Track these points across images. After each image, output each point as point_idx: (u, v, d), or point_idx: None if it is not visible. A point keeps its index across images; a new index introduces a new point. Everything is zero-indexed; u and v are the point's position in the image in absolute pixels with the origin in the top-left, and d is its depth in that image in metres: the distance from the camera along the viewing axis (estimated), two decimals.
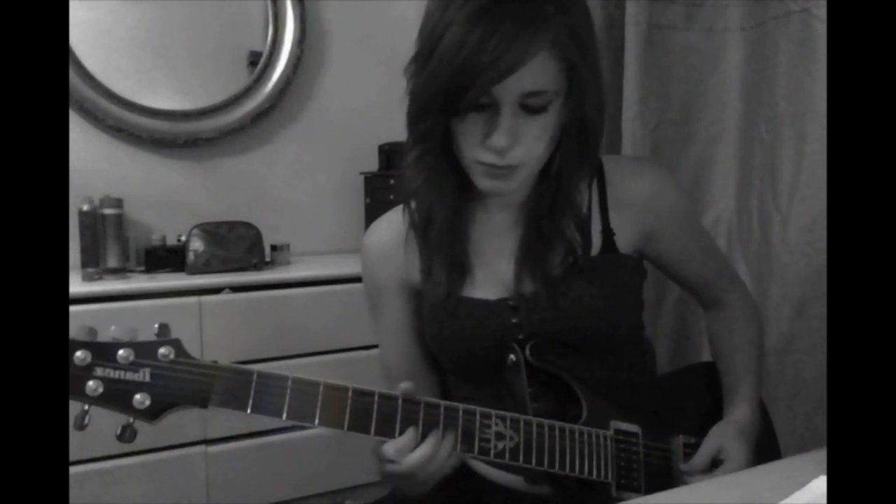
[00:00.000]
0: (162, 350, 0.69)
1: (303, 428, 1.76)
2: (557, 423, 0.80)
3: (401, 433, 0.74)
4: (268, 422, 1.76)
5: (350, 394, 0.72)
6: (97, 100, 1.90)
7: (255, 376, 0.70)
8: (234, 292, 1.74)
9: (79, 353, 0.66)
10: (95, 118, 1.91)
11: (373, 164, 2.14)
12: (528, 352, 0.83)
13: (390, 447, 0.73)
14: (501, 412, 0.77)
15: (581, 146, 0.81)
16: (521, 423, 0.78)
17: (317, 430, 1.77)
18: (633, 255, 0.90)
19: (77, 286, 1.64)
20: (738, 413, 0.90)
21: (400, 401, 0.74)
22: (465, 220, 0.87)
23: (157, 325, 0.70)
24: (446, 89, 0.72)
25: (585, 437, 0.81)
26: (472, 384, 0.90)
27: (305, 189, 2.21)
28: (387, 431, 0.74)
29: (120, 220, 1.78)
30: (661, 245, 0.92)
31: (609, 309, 0.85)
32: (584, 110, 0.78)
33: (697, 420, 0.91)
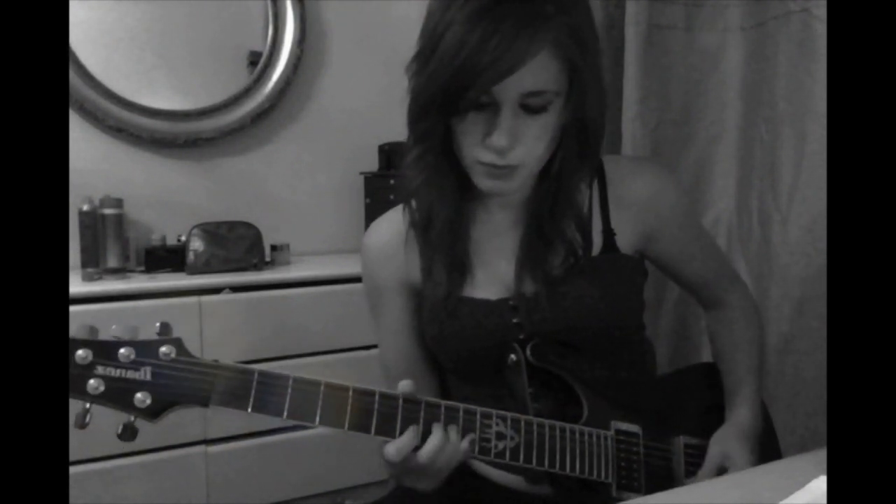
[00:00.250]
0: (163, 349, 0.69)
1: (303, 428, 1.75)
2: (558, 423, 0.80)
3: (401, 433, 0.74)
4: (268, 422, 1.77)
5: (351, 393, 0.72)
6: (97, 100, 1.90)
7: (256, 375, 0.70)
8: (234, 292, 1.74)
9: (80, 352, 0.66)
10: (95, 118, 1.91)
11: (373, 164, 2.14)
12: (528, 352, 0.83)
13: (391, 447, 0.73)
14: (502, 412, 0.77)
15: (582, 146, 0.81)
16: (522, 423, 0.78)
17: (317, 430, 1.77)
18: (634, 255, 0.90)
19: (77, 286, 1.64)
20: (740, 415, 0.90)
21: (401, 400, 0.74)
22: (465, 219, 0.87)
23: (158, 324, 0.70)
24: (447, 89, 0.72)
25: (586, 437, 0.81)
26: (472, 384, 0.90)
27: (305, 189, 2.21)
28: (387, 431, 0.73)
29: (120, 220, 1.78)
30: (662, 245, 0.92)
31: (610, 309, 0.85)
32: (584, 110, 0.78)
33: (698, 420, 0.91)
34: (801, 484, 0.62)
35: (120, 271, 1.75)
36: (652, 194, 0.89)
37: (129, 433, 0.69)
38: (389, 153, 2.07)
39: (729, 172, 1.40)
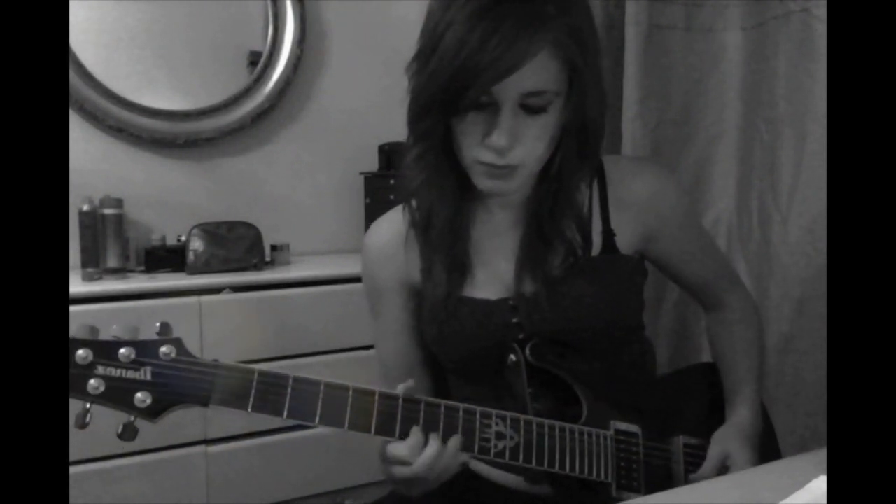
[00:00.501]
0: (163, 349, 0.69)
1: (303, 428, 1.76)
2: (557, 423, 0.80)
3: (401, 433, 0.74)
4: (268, 422, 1.77)
5: (350, 393, 0.73)
6: (97, 100, 1.90)
7: (255, 375, 0.71)
8: (234, 292, 1.74)
9: (80, 352, 0.66)
10: (95, 118, 1.91)
11: (373, 164, 2.14)
12: (528, 352, 0.83)
13: (402, 449, 0.73)
14: (502, 412, 0.78)
15: (582, 146, 0.81)
16: (522, 423, 0.78)
17: (317, 430, 1.77)
18: (634, 255, 0.90)
19: (77, 286, 1.64)
20: (740, 415, 0.90)
21: (401, 400, 0.74)
22: (465, 219, 0.87)
23: (158, 324, 0.70)
24: (447, 88, 0.72)
25: (585, 437, 0.81)
26: (472, 384, 0.90)
27: (305, 189, 2.21)
28: (387, 431, 0.74)
29: (120, 220, 1.78)
30: (662, 245, 0.92)
31: (609, 309, 0.85)
32: (584, 111, 0.78)
33: (698, 420, 0.91)
34: (801, 484, 0.62)
35: (120, 271, 1.75)
36: (652, 194, 0.89)
37: (129, 433, 0.69)
38: (389, 153, 2.07)
39: (729, 172, 1.40)
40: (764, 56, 1.28)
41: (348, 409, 0.72)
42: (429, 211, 0.85)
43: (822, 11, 1.15)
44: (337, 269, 1.85)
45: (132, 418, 0.69)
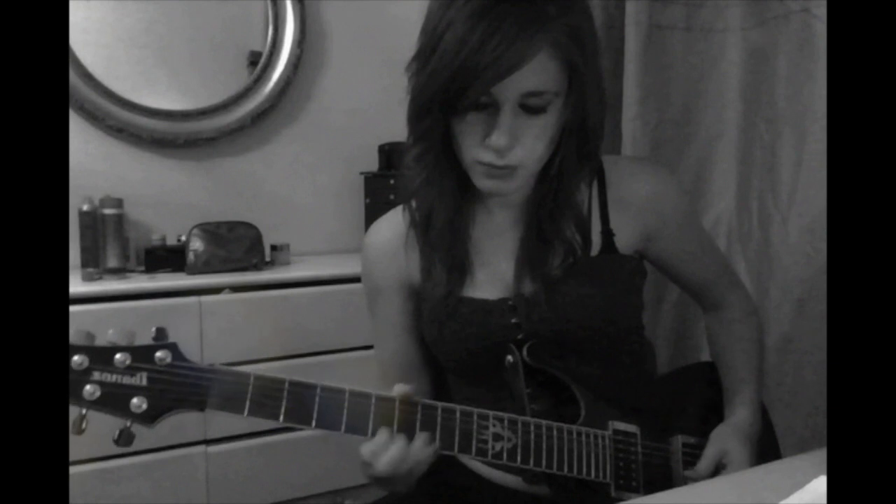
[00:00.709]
0: (159, 354, 0.69)
1: (302, 428, 1.76)
2: (556, 424, 0.80)
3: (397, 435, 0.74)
4: (268, 422, 1.76)
5: (347, 396, 0.72)
6: (97, 100, 1.90)
7: (252, 379, 0.70)
8: (234, 292, 1.74)
9: (76, 358, 0.66)
10: (95, 118, 1.91)
11: (373, 164, 2.14)
12: (525, 352, 0.83)
13: (366, 449, 0.73)
14: (499, 413, 0.77)
15: (581, 147, 0.81)
16: (519, 424, 0.78)
17: (317, 431, 1.77)
18: (633, 255, 0.90)
19: (77, 286, 1.64)
20: (739, 415, 0.90)
21: (397, 403, 0.74)
22: (465, 219, 0.87)
23: (154, 329, 0.70)
24: (447, 88, 0.72)
25: (584, 437, 0.81)
26: (472, 384, 0.90)
27: (305, 189, 2.21)
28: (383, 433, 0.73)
29: (120, 220, 1.78)
30: (661, 245, 0.92)
31: (608, 309, 0.85)
32: (584, 111, 0.78)
33: (697, 420, 0.91)
34: (801, 484, 0.62)
35: (120, 271, 1.75)
36: (651, 194, 0.89)
37: (125, 439, 0.69)
38: (389, 153, 2.07)
39: (729, 172, 1.40)
40: (764, 56, 1.28)
41: (345, 412, 0.72)
42: (429, 211, 0.85)
43: (822, 11, 1.15)
44: (337, 269, 1.85)
45: (128, 424, 0.69)
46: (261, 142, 2.14)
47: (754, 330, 0.98)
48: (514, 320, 0.85)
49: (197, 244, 1.82)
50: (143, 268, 1.85)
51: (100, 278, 1.72)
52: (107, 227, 1.75)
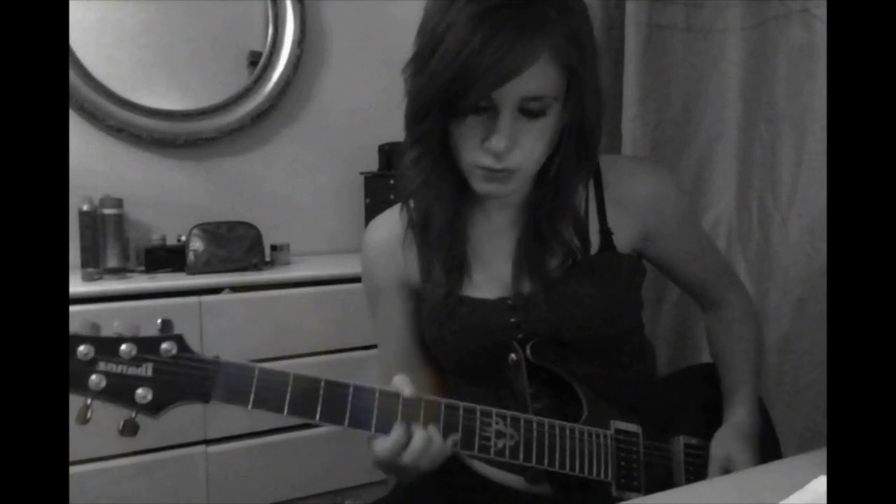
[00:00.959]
0: (164, 345, 0.69)
1: (303, 427, 1.76)
2: (558, 422, 0.80)
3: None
4: (268, 421, 1.77)
5: (351, 390, 0.73)
6: (97, 100, 1.90)
7: (256, 372, 0.71)
8: (234, 292, 1.74)
9: (82, 348, 0.66)
10: (95, 118, 1.91)
11: (373, 164, 2.14)
12: (528, 351, 0.83)
13: (384, 446, 0.73)
14: (502, 410, 0.78)
15: (579, 150, 0.81)
16: (522, 422, 0.78)
17: (317, 430, 1.78)
18: (632, 254, 0.90)
19: (77, 286, 1.64)
20: (739, 415, 0.90)
21: (400, 398, 0.74)
22: (463, 220, 0.87)
23: (159, 321, 0.70)
24: (446, 91, 0.72)
25: (586, 436, 0.81)
26: (473, 384, 0.90)
27: (305, 189, 2.21)
28: (386, 429, 0.74)
29: (120, 220, 1.78)
30: (660, 245, 0.92)
31: (607, 308, 0.85)
32: (582, 114, 0.78)
33: (698, 420, 0.91)
34: (801, 484, 0.62)
35: (120, 271, 1.75)
36: (650, 194, 0.89)
37: (129, 429, 0.69)
38: (389, 153, 2.07)
39: (729, 172, 1.40)
40: (764, 56, 1.28)
41: (348, 406, 0.72)
42: (426, 212, 0.85)
43: (822, 11, 1.15)
44: (337, 269, 1.85)
45: (133, 414, 0.69)
46: (261, 142, 2.14)
47: (754, 330, 0.98)
48: (513, 319, 0.85)
49: (197, 244, 1.82)
50: (143, 268, 1.85)
51: (100, 278, 1.72)
52: (107, 227, 1.75)
